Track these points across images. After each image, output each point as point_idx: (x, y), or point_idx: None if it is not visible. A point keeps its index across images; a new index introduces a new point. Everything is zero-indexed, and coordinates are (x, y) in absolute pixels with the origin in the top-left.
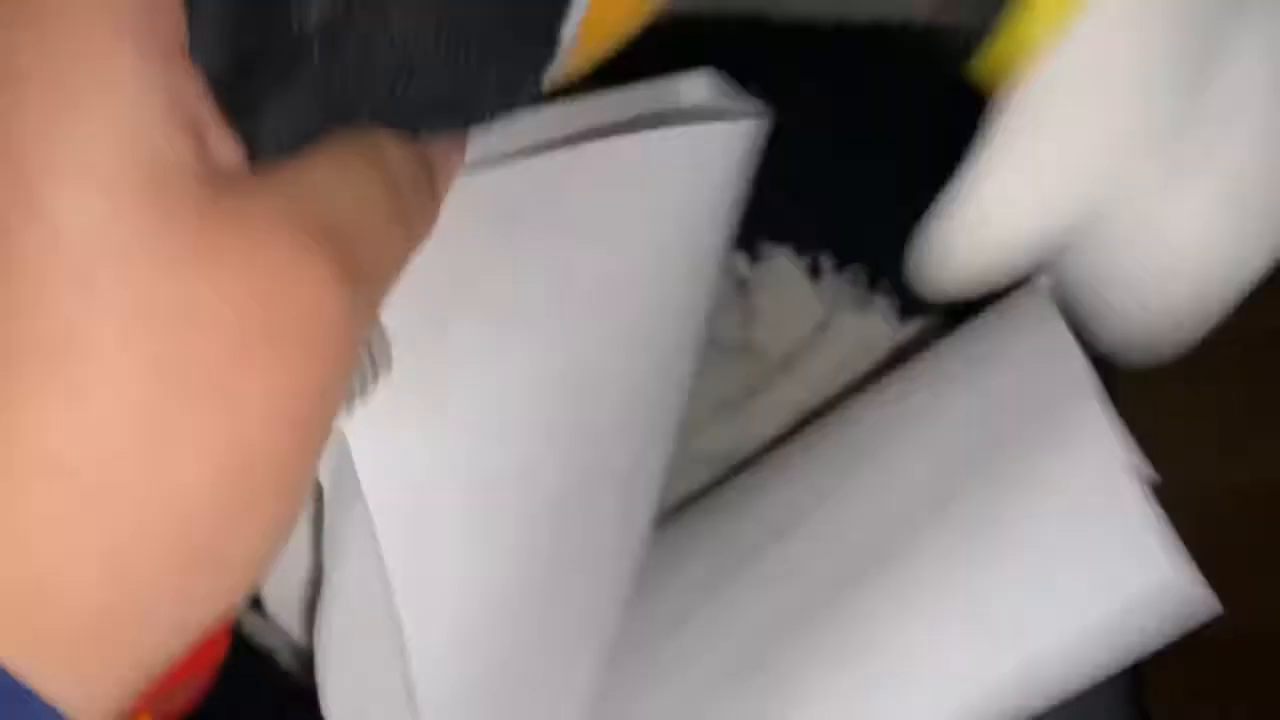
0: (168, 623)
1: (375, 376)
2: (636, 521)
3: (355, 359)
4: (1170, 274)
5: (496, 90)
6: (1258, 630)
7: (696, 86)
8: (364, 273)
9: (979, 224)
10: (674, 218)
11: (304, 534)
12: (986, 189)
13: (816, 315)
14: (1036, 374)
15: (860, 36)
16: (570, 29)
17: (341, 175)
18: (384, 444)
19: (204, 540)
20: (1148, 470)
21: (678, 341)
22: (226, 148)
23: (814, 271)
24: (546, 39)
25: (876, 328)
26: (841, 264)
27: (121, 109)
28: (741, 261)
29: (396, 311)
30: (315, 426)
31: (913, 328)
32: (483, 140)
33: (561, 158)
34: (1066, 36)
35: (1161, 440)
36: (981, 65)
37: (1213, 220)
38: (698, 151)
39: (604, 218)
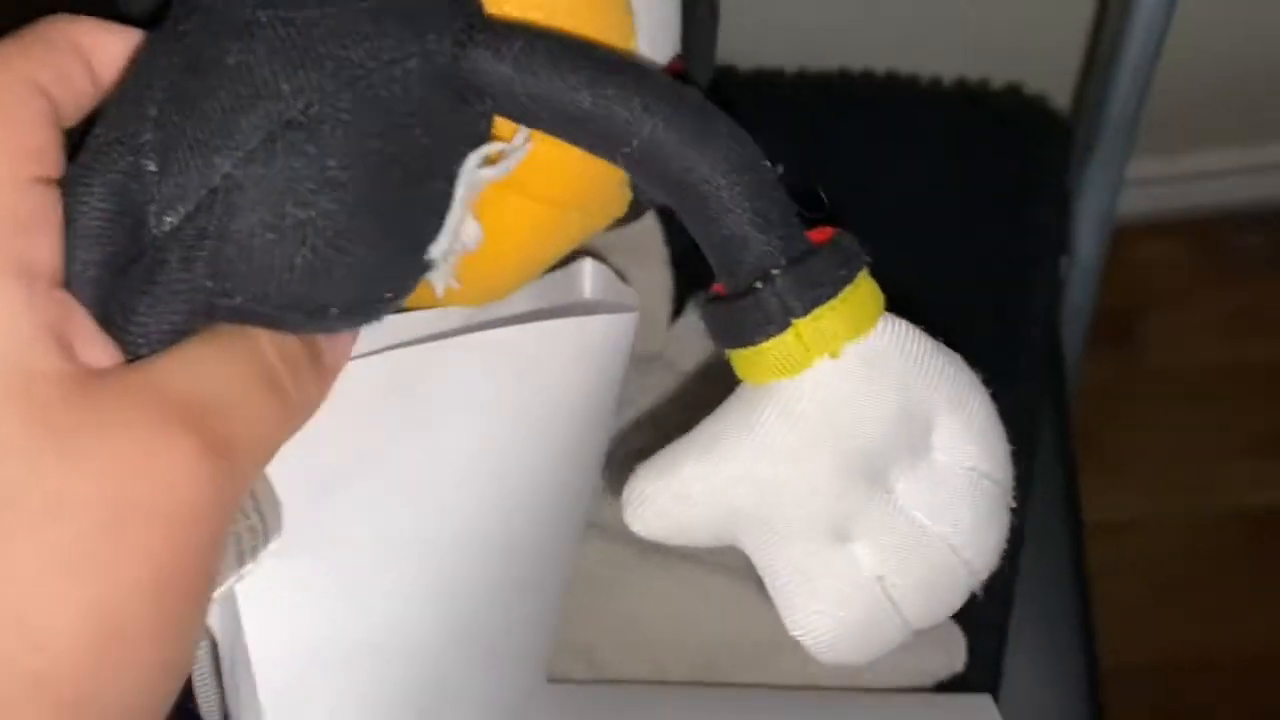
0: None
1: (266, 539)
2: (518, 668)
3: (226, 523)
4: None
5: (349, 303)
6: (1247, 655)
7: (580, 277)
8: (233, 446)
9: (668, 491)
10: (556, 400)
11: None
12: (685, 467)
13: None
14: None
15: (821, 85)
16: (440, 249)
17: (211, 357)
18: (270, 604)
19: (83, 691)
20: None
21: (558, 512)
22: (97, 348)
23: None
24: (409, 259)
25: None
26: None
27: None
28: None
29: (290, 478)
30: (186, 588)
31: None
32: (384, 324)
33: (454, 344)
34: (787, 379)
35: (1150, 471)
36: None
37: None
38: (578, 341)
39: (491, 400)
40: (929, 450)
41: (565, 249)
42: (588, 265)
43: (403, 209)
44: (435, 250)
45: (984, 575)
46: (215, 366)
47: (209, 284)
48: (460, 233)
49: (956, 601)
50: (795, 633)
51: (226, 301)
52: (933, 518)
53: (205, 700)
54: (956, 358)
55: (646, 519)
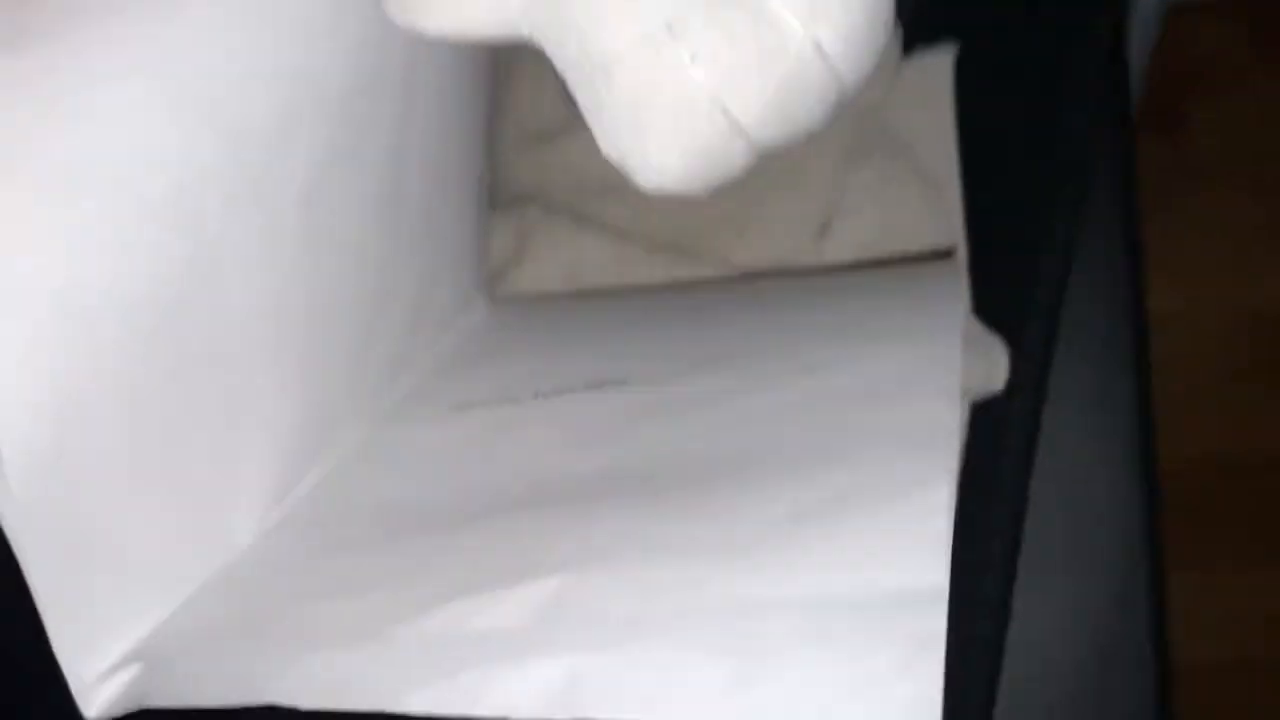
0: None
1: None
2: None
3: None
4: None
5: None
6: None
7: None
8: None
9: None
10: None
11: None
12: None
13: None
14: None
15: None
16: None
17: None
18: None
19: None
20: None
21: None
22: None
23: None
24: None
25: None
26: None
27: None
28: None
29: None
30: None
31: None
32: None
33: None
34: None
35: (1196, 263)
36: None
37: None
38: None
39: None
40: None
41: None
42: None
43: None
44: None
45: (853, 85)
46: None
47: None
48: None
49: (817, 117)
50: (607, 152)
51: None
52: (793, 10)
53: None
54: None
55: (419, 8)
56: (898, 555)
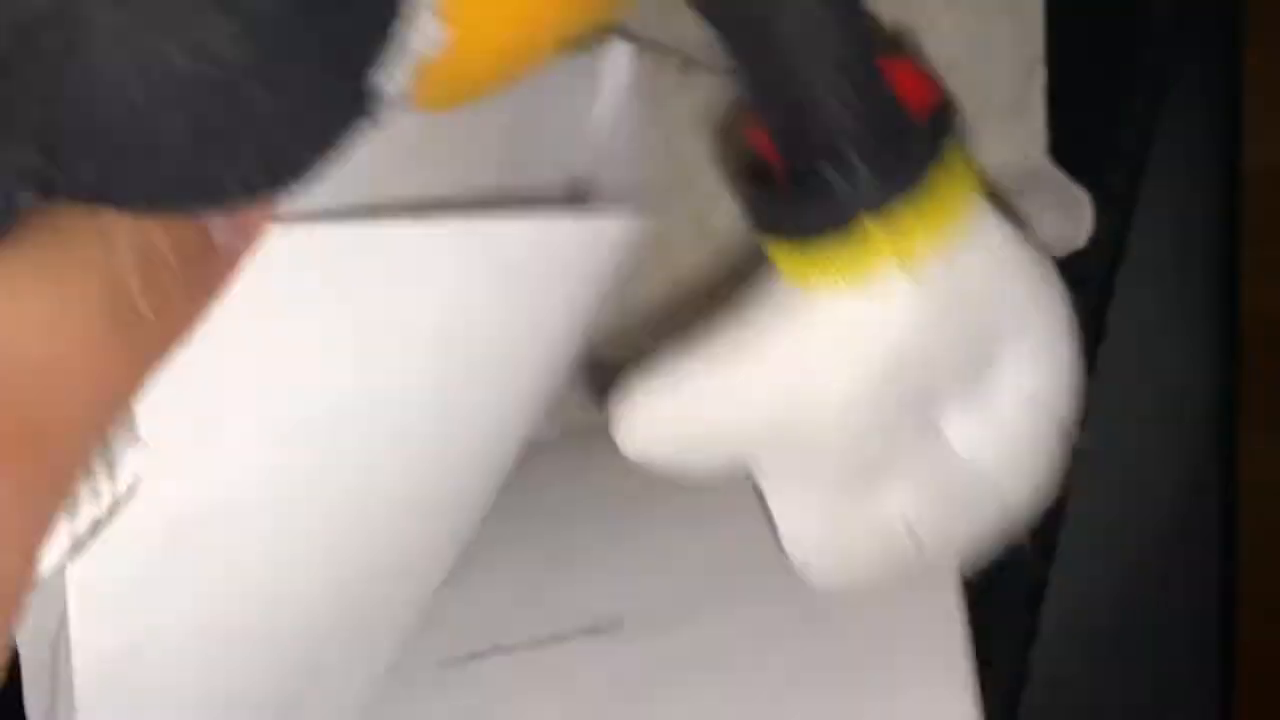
0: None
1: (115, 509)
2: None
3: (33, 541)
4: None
5: (253, 180)
6: None
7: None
8: (41, 440)
9: (673, 407)
10: (514, 312)
11: None
12: (698, 380)
13: None
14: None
15: None
16: (398, 80)
17: (27, 272)
18: (106, 589)
19: None
20: None
21: (488, 461)
22: None
23: None
24: (347, 96)
25: None
26: None
27: None
28: None
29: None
30: None
31: None
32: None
33: (408, 227)
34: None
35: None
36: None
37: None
38: (555, 248)
39: (430, 304)
40: (990, 376)
41: (568, 27)
42: (613, 55)
43: (332, 26)
44: (380, 78)
45: (1014, 514)
46: (26, 314)
47: (36, 160)
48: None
49: (976, 539)
50: (801, 571)
51: (69, 185)
52: (982, 458)
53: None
54: (1042, 257)
55: (643, 439)
56: None
